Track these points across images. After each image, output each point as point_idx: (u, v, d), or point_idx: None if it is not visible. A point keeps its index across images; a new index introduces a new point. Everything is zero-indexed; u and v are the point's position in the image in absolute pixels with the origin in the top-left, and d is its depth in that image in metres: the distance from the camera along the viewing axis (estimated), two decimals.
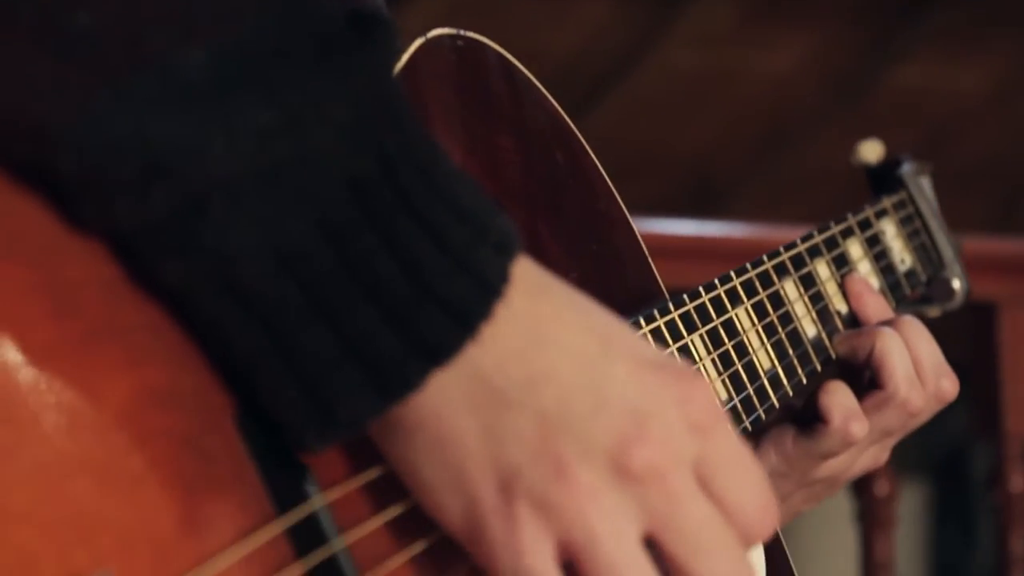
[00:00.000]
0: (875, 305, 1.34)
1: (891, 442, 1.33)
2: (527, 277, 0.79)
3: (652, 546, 0.78)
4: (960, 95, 4.01)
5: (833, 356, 1.30)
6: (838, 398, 1.24)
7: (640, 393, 0.78)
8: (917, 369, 1.28)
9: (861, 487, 2.56)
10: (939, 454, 4.45)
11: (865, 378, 1.30)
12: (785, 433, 1.28)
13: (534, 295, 0.78)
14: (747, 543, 0.80)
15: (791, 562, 1.16)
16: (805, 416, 1.27)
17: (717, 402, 0.80)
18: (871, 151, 1.54)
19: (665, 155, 3.76)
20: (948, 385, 1.30)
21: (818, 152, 4.01)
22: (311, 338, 0.74)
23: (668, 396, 0.78)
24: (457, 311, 0.75)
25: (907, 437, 1.35)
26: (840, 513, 2.76)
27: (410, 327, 0.75)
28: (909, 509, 4.53)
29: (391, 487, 0.82)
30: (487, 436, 0.77)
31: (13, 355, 0.70)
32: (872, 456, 1.32)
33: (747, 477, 0.80)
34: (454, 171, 0.78)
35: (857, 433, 1.24)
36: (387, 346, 0.74)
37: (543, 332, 0.78)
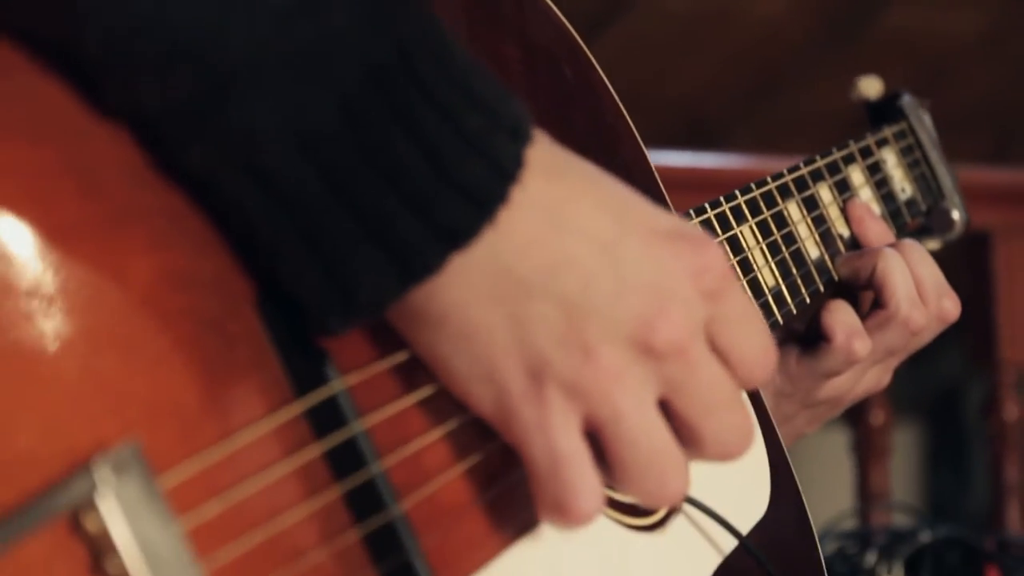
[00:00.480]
0: (876, 229, 1.36)
1: (894, 363, 1.34)
2: (542, 160, 0.80)
3: (663, 405, 0.82)
4: (953, 35, 4.01)
5: (836, 278, 1.31)
6: (840, 316, 1.26)
7: (657, 270, 0.80)
8: (919, 289, 1.30)
9: (856, 418, 2.58)
10: (933, 395, 4.47)
11: (867, 301, 1.32)
12: (789, 353, 1.30)
13: (549, 178, 0.80)
14: (751, 386, 0.85)
15: (797, 483, 1.17)
16: (808, 336, 1.29)
17: (728, 265, 0.83)
18: (871, 87, 1.55)
19: (658, 97, 3.76)
20: (950, 305, 1.32)
21: (811, 94, 4.01)
22: (332, 221, 0.75)
23: (683, 269, 0.81)
24: (474, 195, 0.76)
25: (902, 378, 1.36)
26: (836, 443, 2.77)
27: (429, 210, 0.76)
28: (903, 450, 4.55)
29: (409, 373, 0.84)
30: (513, 325, 0.78)
31: (39, 233, 0.71)
32: (875, 377, 1.34)
33: (751, 330, 0.84)
34: (468, 61, 0.79)
35: (860, 350, 1.26)
36: (407, 229, 0.76)
37: (560, 217, 0.79)
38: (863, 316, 1.29)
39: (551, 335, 0.78)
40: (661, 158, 2.55)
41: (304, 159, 0.74)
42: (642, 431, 0.80)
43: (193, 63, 0.72)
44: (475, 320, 0.78)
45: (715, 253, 0.82)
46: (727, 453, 0.84)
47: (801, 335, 1.30)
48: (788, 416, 1.33)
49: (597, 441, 0.81)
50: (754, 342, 0.83)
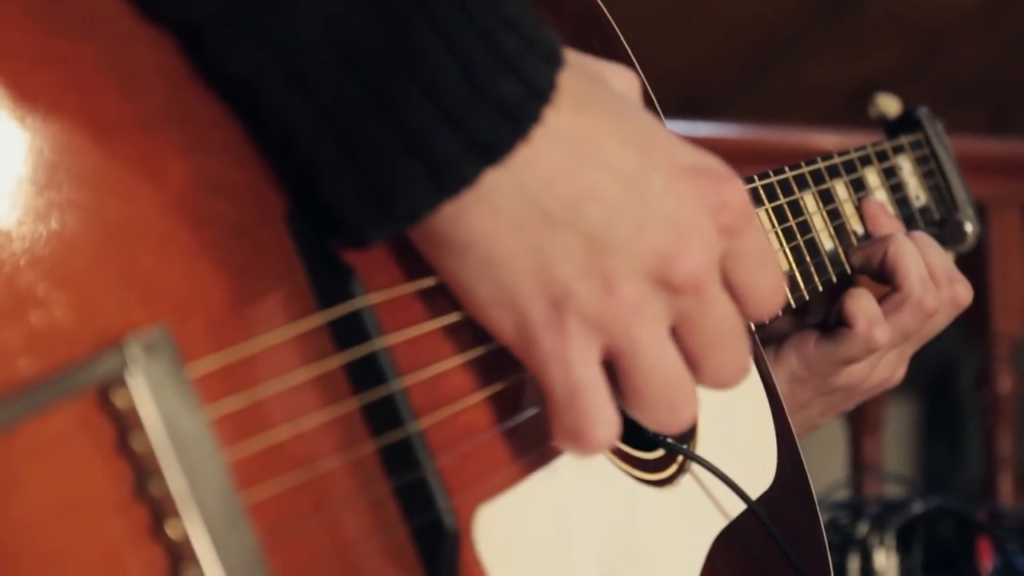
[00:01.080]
0: (890, 227, 1.36)
1: (909, 351, 1.35)
2: (571, 87, 0.81)
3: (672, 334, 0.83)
4: (949, 8, 4.00)
5: (849, 272, 1.32)
6: (863, 303, 1.27)
7: (678, 205, 0.82)
8: (931, 274, 1.31)
9: None
10: (928, 369, 4.47)
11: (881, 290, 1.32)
12: (807, 338, 1.30)
13: (577, 108, 0.81)
14: (759, 319, 0.87)
15: (803, 461, 1.18)
16: (828, 322, 1.30)
17: (748, 201, 0.84)
18: (889, 105, 1.56)
19: (654, 71, 3.73)
20: (962, 289, 1.33)
21: (808, 67, 4.01)
22: (372, 130, 0.77)
23: (703, 204, 0.82)
24: (509, 111, 0.78)
25: None
26: None
27: (465, 124, 0.77)
28: (898, 423, 4.55)
29: (435, 299, 0.85)
30: (537, 255, 0.80)
31: (81, 125, 0.72)
32: (890, 365, 1.35)
33: (764, 266, 0.86)
34: None
35: (880, 338, 1.26)
36: (444, 141, 0.77)
37: (586, 149, 0.80)
38: (878, 301, 1.29)
39: (574, 266, 0.80)
40: None
41: (346, 68, 0.76)
42: (657, 362, 0.82)
43: None
44: (500, 247, 0.80)
45: (735, 189, 0.83)
46: (723, 383, 0.86)
47: (820, 321, 1.31)
48: (803, 404, 1.33)
49: (612, 368, 0.82)
50: (766, 280, 0.86)
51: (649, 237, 0.80)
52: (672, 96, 4.23)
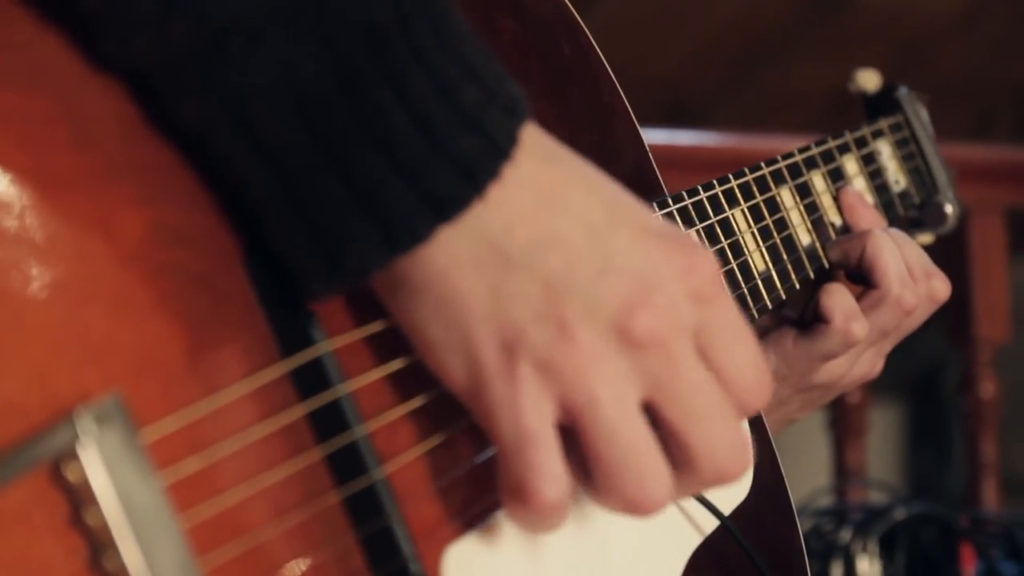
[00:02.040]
0: (868, 217, 1.35)
1: (887, 347, 1.34)
2: (536, 143, 0.79)
3: (649, 412, 0.79)
4: (934, 12, 4.01)
5: (827, 265, 1.31)
6: (839, 299, 1.26)
7: (644, 260, 0.79)
8: (908, 270, 1.30)
9: None
10: (914, 374, 4.47)
11: (859, 286, 1.31)
12: (786, 335, 1.29)
13: (542, 161, 0.79)
14: (742, 412, 0.81)
15: (781, 468, 1.17)
16: (805, 318, 1.29)
17: (719, 273, 0.81)
18: (868, 79, 1.54)
19: (640, 75, 3.75)
20: (939, 284, 1.31)
21: (792, 72, 4.01)
22: (322, 184, 0.75)
23: (672, 265, 0.79)
24: (466, 168, 0.76)
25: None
26: (813, 421, 2.77)
27: (420, 180, 0.75)
28: (885, 428, 4.56)
29: (398, 340, 0.83)
30: (492, 297, 0.77)
31: (30, 181, 0.71)
32: (869, 362, 1.33)
33: (744, 348, 0.81)
34: (467, 34, 0.78)
35: (858, 333, 1.25)
36: (397, 197, 0.75)
37: (551, 197, 0.78)
38: (856, 299, 1.28)
39: (528, 310, 0.77)
40: None
41: (296, 118, 0.74)
42: (620, 423, 0.77)
43: (189, 18, 0.72)
44: (455, 288, 0.77)
45: (705, 256, 0.80)
46: (722, 469, 0.80)
47: (798, 317, 1.30)
48: (782, 400, 1.32)
49: (573, 435, 0.78)
50: (747, 359, 0.81)
51: (610, 285, 0.77)
52: (657, 101, 4.25)
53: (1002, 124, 4.33)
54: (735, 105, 4.10)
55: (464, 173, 0.76)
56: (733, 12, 3.94)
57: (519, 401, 0.77)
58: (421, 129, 0.75)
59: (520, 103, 0.78)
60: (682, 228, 1.12)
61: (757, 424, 1.16)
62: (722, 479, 0.80)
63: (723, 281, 0.82)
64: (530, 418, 0.77)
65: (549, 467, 0.77)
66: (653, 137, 1.18)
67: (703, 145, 2.53)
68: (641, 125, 1.17)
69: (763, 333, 1.31)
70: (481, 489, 0.87)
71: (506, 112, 0.77)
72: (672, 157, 2.30)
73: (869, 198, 1.39)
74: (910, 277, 1.29)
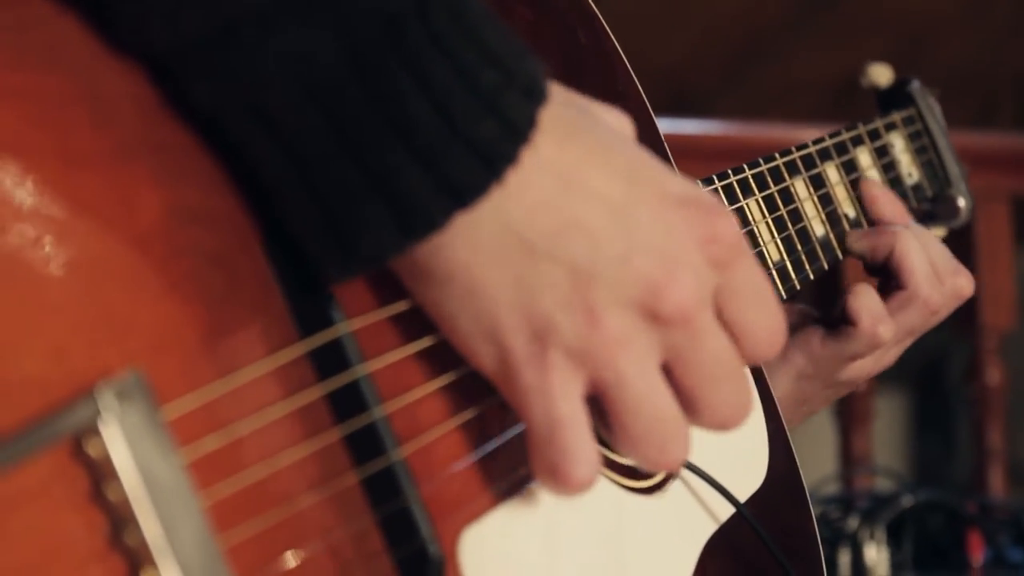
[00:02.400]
0: (891, 209, 1.36)
1: (910, 341, 1.35)
2: (555, 120, 0.79)
3: (665, 371, 0.81)
4: (935, 2, 4.00)
5: (841, 257, 1.31)
6: (866, 300, 1.27)
7: (666, 236, 0.79)
8: (933, 269, 1.31)
9: None
10: (919, 362, 4.47)
11: (880, 277, 1.33)
12: (813, 335, 1.31)
13: (561, 140, 0.79)
14: (755, 361, 0.84)
15: (795, 456, 1.17)
16: (832, 318, 1.30)
17: (740, 234, 0.82)
18: (881, 74, 1.54)
19: (641, 68, 3.74)
20: (964, 282, 1.33)
21: (793, 63, 4.01)
22: (336, 169, 0.75)
23: (693, 236, 0.80)
24: (484, 153, 0.75)
25: None
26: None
27: (437, 166, 0.75)
28: (890, 417, 4.56)
29: (417, 322, 0.83)
30: (519, 287, 0.77)
31: (51, 160, 0.71)
32: (893, 357, 1.35)
33: (760, 303, 0.83)
34: (486, 15, 0.78)
35: (884, 335, 1.27)
36: (413, 183, 0.75)
37: (570, 179, 0.78)
38: (882, 298, 1.29)
39: (556, 298, 0.77)
40: None
41: (311, 104, 0.74)
42: (645, 397, 0.79)
43: (201, 6, 0.72)
44: (481, 279, 0.78)
45: (727, 221, 0.81)
46: (723, 424, 0.83)
47: (825, 318, 1.31)
48: (807, 398, 1.34)
49: (599, 403, 0.80)
50: (763, 317, 0.83)
51: (635, 267, 0.78)
52: (659, 92, 4.24)
53: (1005, 113, 4.32)
54: (737, 96, 4.10)
55: (482, 158, 0.75)
56: (735, 3, 3.94)
57: (550, 388, 0.78)
58: (440, 114, 0.75)
59: (539, 82, 0.78)
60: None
61: (773, 415, 1.17)
62: (723, 429, 0.83)
63: (744, 242, 0.82)
64: (561, 404, 0.78)
65: (581, 450, 0.79)
66: (660, 126, 1.19)
67: (707, 134, 2.53)
68: None
69: (790, 331, 1.31)
70: (500, 471, 0.87)
71: (526, 94, 0.77)
72: (676, 146, 2.30)
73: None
74: (936, 277, 1.31)
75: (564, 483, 0.79)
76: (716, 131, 2.58)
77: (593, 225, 0.78)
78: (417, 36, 0.75)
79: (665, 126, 2.44)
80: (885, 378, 2.93)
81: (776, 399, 1.26)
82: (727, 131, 2.57)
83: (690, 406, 0.82)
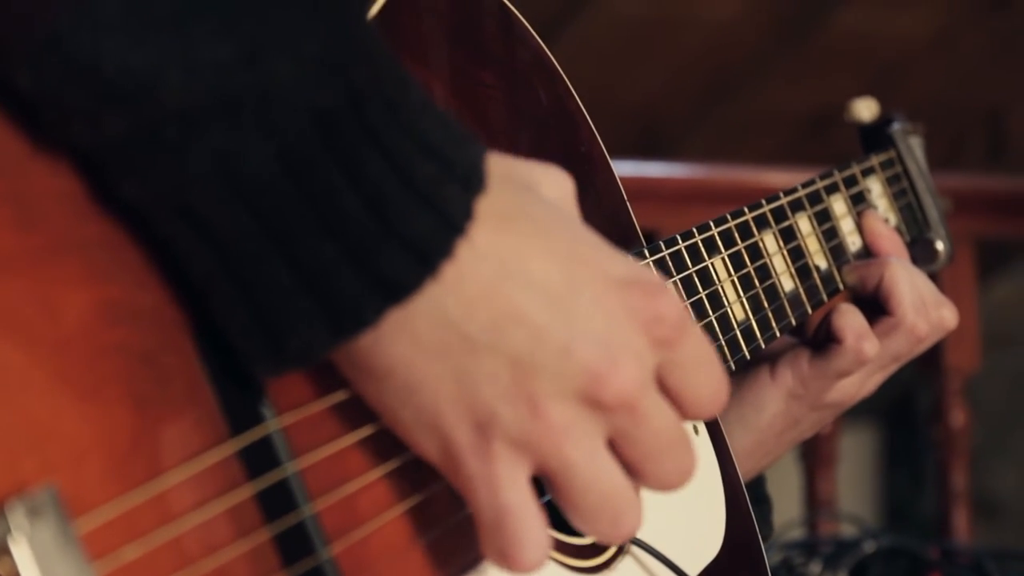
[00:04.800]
0: (891, 243, 1.41)
1: (894, 368, 1.39)
2: (494, 207, 0.78)
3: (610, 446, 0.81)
4: (905, 36, 4.02)
5: (810, 311, 1.33)
6: (849, 319, 1.31)
7: (608, 322, 0.79)
8: (920, 298, 1.35)
9: None
10: (889, 399, 4.48)
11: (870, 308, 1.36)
12: (801, 355, 1.34)
13: (498, 226, 0.78)
14: (700, 420, 0.86)
15: (754, 520, 1.18)
16: (818, 339, 1.33)
17: (683, 311, 0.81)
18: (865, 109, 1.54)
19: (610, 103, 3.76)
20: (948, 314, 1.37)
21: (763, 98, 4.01)
22: (265, 268, 0.74)
23: (635, 320, 0.79)
24: (419, 248, 0.75)
25: None
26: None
27: (369, 263, 0.74)
28: (860, 453, 4.56)
29: (349, 412, 0.83)
30: (460, 380, 0.77)
31: None
32: (875, 382, 1.39)
33: (704, 366, 0.83)
34: (424, 104, 0.77)
35: (869, 351, 1.31)
36: (343, 281, 0.74)
37: (508, 268, 0.78)
38: (870, 323, 1.33)
39: (498, 390, 0.77)
40: None
41: (238, 203, 0.73)
42: (593, 478, 0.80)
43: (124, 110, 0.71)
44: (420, 374, 0.77)
45: (669, 300, 0.81)
46: (667, 488, 0.84)
47: (811, 339, 1.35)
48: (797, 420, 1.36)
49: (548, 482, 0.80)
50: (706, 381, 0.83)
51: (577, 358, 0.78)
52: (629, 129, 4.25)
53: (974, 150, 4.34)
54: (707, 132, 4.11)
55: (417, 254, 0.75)
56: (703, 38, 3.95)
57: (495, 477, 0.78)
58: (373, 211, 0.74)
59: (478, 170, 0.78)
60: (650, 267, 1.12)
61: (732, 479, 1.17)
62: (670, 491, 0.84)
63: (687, 316, 0.82)
64: (507, 492, 0.78)
65: (529, 536, 0.79)
66: (622, 169, 1.18)
67: (673, 176, 2.53)
68: (611, 154, 1.17)
69: (779, 355, 1.35)
70: (438, 560, 0.87)
71: (463, 185, 0.77)
72: (643, 189, 2.30)
73: (857, 239, 1.40)
74: (923, 306, 1.35)
75: (514, 567, 0.79)
76: (683, 173, 2.58)
77: (533, 316, 0.78)
78: (350, 132, 0.74)
79: (631, 169, 2.45)
80: (854, 415, 2.94)
81: (768, 420, 1.30)
82: (694, 173, 2.57)
83: (637, 476, 0.82)
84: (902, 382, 4.28)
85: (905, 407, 4.59)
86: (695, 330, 0.83)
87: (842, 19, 3.97)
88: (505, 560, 0.79)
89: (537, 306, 0.78)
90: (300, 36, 0.74)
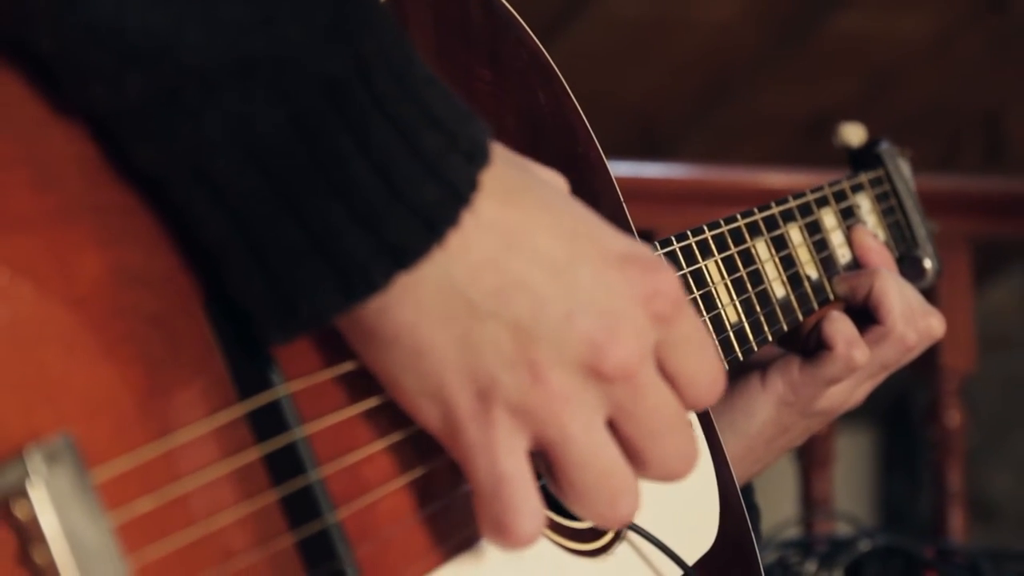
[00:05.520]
0: (880, 256, 1.42)
1: (884, 376, 1.40)
2: (497, 181, 0.80)
3: (610, 426, 0.82)
4: (902, 40, 4.02)
5: (801, 319, 1.34)
6: (840, 326, 1.32)
7: (608, 294, 0.81)
8: (909, 308, 1.36)
9: None
10: (886, 401, 4.49)
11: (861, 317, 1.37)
12: (791, 362, 1.35)
13: (503, 200, 0.80)
14: (698, 408, 0.86)
15: (747, 516, 1.19)
16: (809, 346, 1.34)
17: (680, 289, 0.83)
18: (854, 134, 1.56)
19: (608, 105, 3.76)
20: (936, 323, 1.38)
21: (761, 100, 4.02)
22: (278, 231, 0.76)
23: (635, 294, 0.81)
24: (425, 216, 0.76)
25: None
26: None
27: (378, 228, 0.76)
28: (858, 455, 4.57)
29: (357, 383, 0.84)
30: (463, 347, 0.79)
31: None
32: (866, 391, 1.40)
33: (701, 351, 0.85)
34: (429, 78, 0.79)
35: (859, 358, 1.32)
36: (353, 245, 0.76)
37: (512, 239, 0.79)
38: (860, 332, 1.34)
39: (500, 357, 0.79)
40: None
41: (252, 167, 0.75)
42: (591, 453, 0.81)
43: (144, 70, 0.73)
44: (425, 339, 0.79)
45: (667, 277, 0.82)
46: (670, 475, 0.85)
47: (802, 346, 1.35)
48: (786, 427, 1.37)
49: (547, 460, 0.81)
50: (704, 365, 0.85)
51: (578, 326, 0.79)
52: (627, 131, 4.25)
53: (970, 152, 4.34)
54: (705, 133, 4.12)
55: (423, 220, 0.76)
56: (701, 41, 3.96)
57: (494, 444, 0.79)
58: (381, 177, 0.76)
59: (482, 145, 0.79)
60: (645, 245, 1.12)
61: (725, 476, 1.17)
62: (670, 480, 0.85)
63: (683, 296, 0.84)
64: (505, 460, 0.80)
65: (525, 505, 0.80)
66: (619, 170, 1.19)
67: (671, 177, 2.54)
68: (609, 156, 1.17)
69: (770, 362, 1.36)
70: (444, 531, 0.88)
71: (467, 157, 0.78)
72: (640, 190, 2.30)
73: (847, 252, 1.42)
74: (911, 315, 1.36)
75: (509, 537, 0.80)
76: (680, 174, 2.59)
77: (536, 285, 0.79)
78: (359, 99, 0.76)
79: (628, 170, 2.46)
80: (851, 417, 2.95)
81: (758, 427, 1.31)
82: (691, 174, 2.58)
83: (637, 459, 0.83)
84: (899, 385, 4.30)
85: (902, 410, 4.60)
86: (692, 312, 0.84)
87: (840, 22, 3.98)
88: (500, 530, 0.80)
89: (540, 277, 0.79)
90: (312, 6, 0.76)
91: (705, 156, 3.96)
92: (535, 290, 0.79)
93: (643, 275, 0.82)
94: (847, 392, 1.37)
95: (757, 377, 1.36)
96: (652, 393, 0.82)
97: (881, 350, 1.35)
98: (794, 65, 3.94)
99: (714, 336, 1.20)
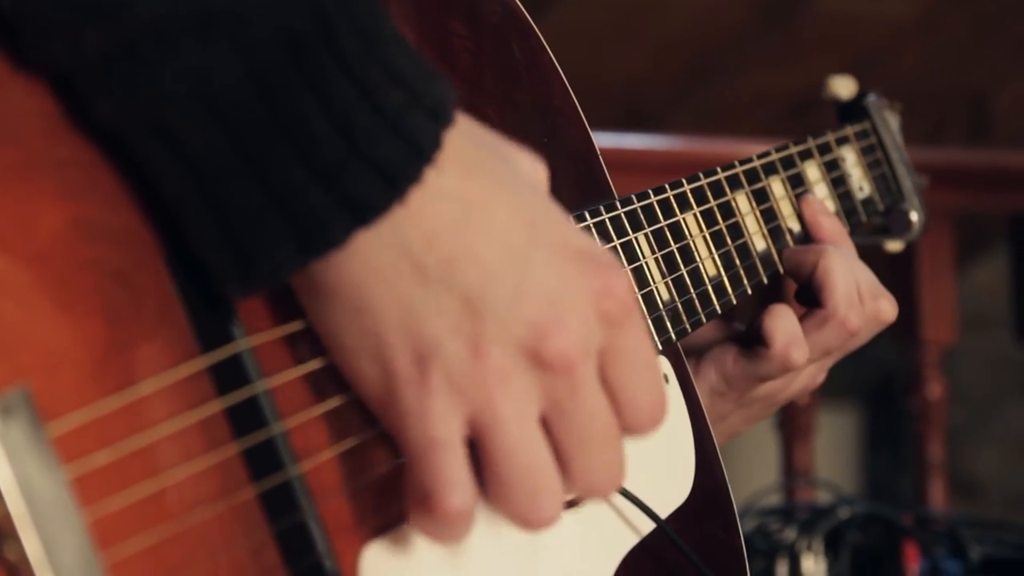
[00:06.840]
0: (829, 228, 1.34)
1: (829, 362, 1.34)
2: (462, 151, 0.79)
3: (542, 424, 0.81)
4: (888, 19, 4.03)
5: (782, 271, 1.30)
6: (781, 323, 1.24)
7: (559, 282, 0.80)
8: (857, 291, 1.28)
9: None
10: (872, 378, 4.50)
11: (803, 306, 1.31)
12: (727, 353, 1.28)
13: (467, 171, 0.79)
14: (634, 434, 0.83)
15: (723, 470, 1.18)
16: (748, 337, 1.28)
17: (633, 296, 0.82)
18: (843, 87, 1.53)
19: (594, 84, 3.77)
20: (886, 306, 1.30)
21: (747, 79, 4.03)
22: (237, 187, 0.75)
23: (586, 286, 0.80)
24: (387, 172, 0.76)
25: (840, 363, 1.35)
26: (763, 422, 2.79)
27: (338, 184, 0.75)
28: (842, 434, 4.58)
29: (317, 341, 0.84)
30: (408, 309, 0.78)
31: None
32: (809, 375, 1.33)
33: (645, 373, 0.83)
34: (394, 35, 0.79)
35: (797, 359, 1.24)
36: (313, 201, 0.75)
37: (472, 211, 0.79)
38: (802, 316, 1.27)
39: (444, 324, 0.78)
40: None
41: (211, 121, 0.74)
42: (519, 442, 0.79)
43: (101, 25, 0.73)
44: (371, 298, 0.78)
45: (621, 279, 0.81)
46: (591, 490, 0.83)
47: (741, 335, 1.29)
48: (723, 415, 1.32)
49: (476, 448, 0.80)
50: (646, 386, 0.83)
51: (525, 307, 0.79)
52: (612, 108, 4.26)
53: (956, 131, 4.36)
54: (690, 112, 4.12)
55: (384, 177, 0.76)
56: (688, 19, 3.96)
57: (428, 409, 0.78)
58: (342, 134, 0.75)
59: (446, 105, 0.79)
60: (616, 239, 1.11)
61: (702, 429, 1.17)
62: (591, 495, 0.84)
63: (636, 303, 0.83)
64: (438, 426, 0.78)
65: (454, 474, 0.78)
66: (602, 140, 1.18)
67: (652, 148, 2.54)
68: (595, 130, 1.17)
69: (706, 347, 1.30)
70: (399, 491, 0.87)
71: (431, 116, 0.78)
72: (620, 160, 2.30)
73: (831, 204, 1.38)
74: (858, 298, 1.28)
75: (436, 509, 0.79)
76: (662, 146, 2.59)
77: (489, 259, 0.79)
78: (319, 54, 0.75)
79: (610, 140, 2.46)
80: (835, 395, 2.96)
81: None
82: (673, 146, 2.59)
83: (563, 464, 0.81)
84: (882, 363, 4.30)
85: (886, 389, 4.61)
86: (643, 326, 0.83)
87: (826, 2, 3.99)
88: (427, 500, 0.79)
89: (494, 252, 0.79)
90: None
91: (689, 134, 3.96)
92: (487, 264, 0.79)
93: (597, 271, 0.81)
94: (784, 383, 1.30)
95: (692, 364, 1.28)
96: (590, 396, 0.81)
97: (822, 334, 1.27)
98: (780, 45, 3.95)
99: (693, 291, 1.18)
